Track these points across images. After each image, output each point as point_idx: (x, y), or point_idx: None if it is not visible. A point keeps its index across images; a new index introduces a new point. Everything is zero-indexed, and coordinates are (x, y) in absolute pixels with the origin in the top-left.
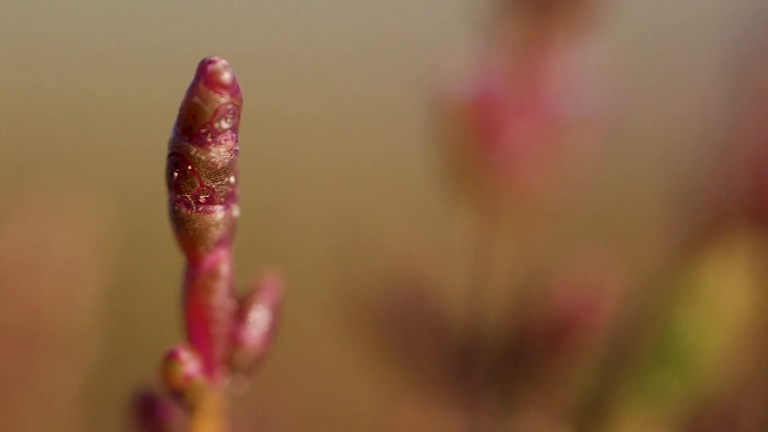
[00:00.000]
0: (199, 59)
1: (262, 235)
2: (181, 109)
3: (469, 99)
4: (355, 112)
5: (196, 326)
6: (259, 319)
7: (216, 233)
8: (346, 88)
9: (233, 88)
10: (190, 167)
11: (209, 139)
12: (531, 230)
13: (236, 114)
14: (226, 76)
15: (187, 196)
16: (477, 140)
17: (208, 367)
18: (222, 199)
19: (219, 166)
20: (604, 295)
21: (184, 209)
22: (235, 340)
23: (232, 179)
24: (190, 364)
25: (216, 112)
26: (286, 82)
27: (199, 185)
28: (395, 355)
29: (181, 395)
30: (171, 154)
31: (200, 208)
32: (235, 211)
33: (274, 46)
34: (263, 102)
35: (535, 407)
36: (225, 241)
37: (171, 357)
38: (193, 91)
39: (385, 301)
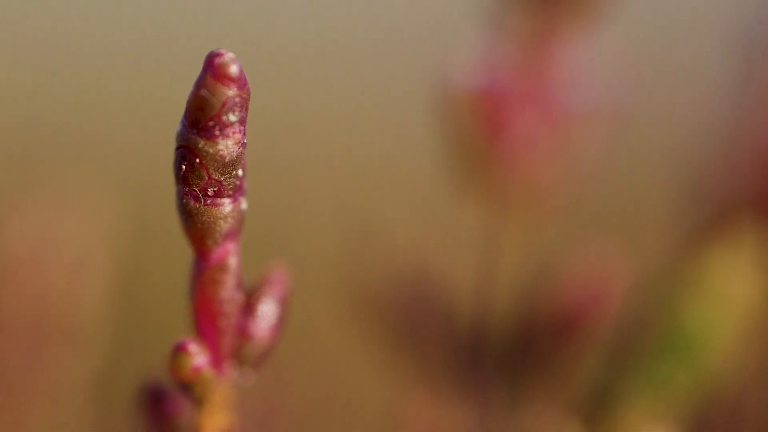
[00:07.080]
0: (207, 52)
1: (271, 228)
2: (189, 102)
3: (477, 91)
4: (363, 104)
5: (205, 319)
6: (267, 312)
7: (224, 226)
8: (354, 81)
9: (241, 81)
10: (198, 160)
11: (217, 132)
12: (538, 222)
13: (244, 107)
14: (233, 69)
15: (195, 189)
16: (485, 132)
17: (217, 360)
18: (230, 192)
19: (227, 159)
20: (611, 286)
21: (192, 202)
22: (243, 333)
23: (240, 172)
24: (198, 356)
25: (223, 104)
26: (293, 75)
27: (207, 178)
28: (403, 348)
29: (190, 388)
30: (179, 147)
31: (208, 201)
32: (243, 204)
33: (281, 38)
34: (271, 95)
35: (542, 399)
36: (233, 233)
37: (179, 350)
38: (200, 83)
39: (393, 293)
